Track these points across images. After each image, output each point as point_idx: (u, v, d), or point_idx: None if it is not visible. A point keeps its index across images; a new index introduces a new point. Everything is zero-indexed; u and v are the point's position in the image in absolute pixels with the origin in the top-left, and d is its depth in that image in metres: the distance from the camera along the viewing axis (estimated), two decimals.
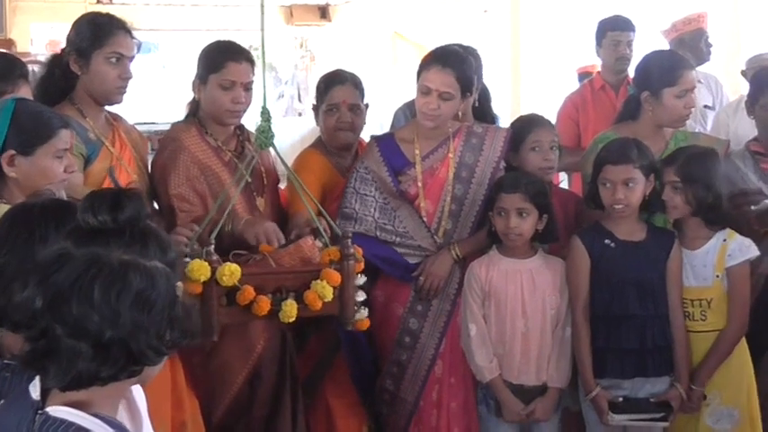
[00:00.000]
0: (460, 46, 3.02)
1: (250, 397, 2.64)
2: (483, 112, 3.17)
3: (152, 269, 1.18)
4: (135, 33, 2.55)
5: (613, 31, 3.95)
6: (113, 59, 2.46)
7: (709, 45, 4.19)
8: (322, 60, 7.43)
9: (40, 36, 6.16)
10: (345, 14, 7.66)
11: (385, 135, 2.95)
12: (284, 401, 2.67)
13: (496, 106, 3.47)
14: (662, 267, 2.63)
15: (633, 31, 3.96)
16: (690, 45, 4.11)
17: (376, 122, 4.88)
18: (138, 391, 1.36)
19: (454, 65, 2.70)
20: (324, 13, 7.51)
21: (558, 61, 5.98)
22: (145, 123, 7.08)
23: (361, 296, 2.37)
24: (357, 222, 2.74)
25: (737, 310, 2.63)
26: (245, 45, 2.81)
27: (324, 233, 2.44)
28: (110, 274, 1.15)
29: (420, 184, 2.79)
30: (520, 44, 7.06)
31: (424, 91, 2.70)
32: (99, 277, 1.15)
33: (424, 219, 2.77)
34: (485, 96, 3.22)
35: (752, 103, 3.06)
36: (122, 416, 1.31)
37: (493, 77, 6.67)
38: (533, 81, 6.85)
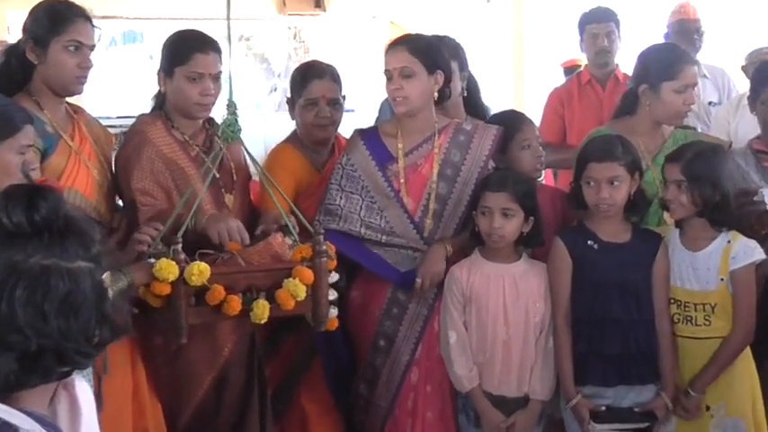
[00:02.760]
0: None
1: (216, 402, 2.65)
2: (473, 104, 3.20)
3: (75, 271, 1.18)
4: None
5: (590, 24, 3.97)
6: (72, 48, 2.46)
7: (693, 35, 4.15)
8: (316, 51, 7.42)
9: (17, 24, 6.16)
10: (340, 4, 7.65)
11: (369, 129, 2.97)
12: (252, 407, 2.68)
13: (498, 99, 3.47)
14: (647, 270, 2.64)
15: (612, 21, 3.96)
16: (672, 37, 4.11)
17: (372, 116, 4.89)
18: (82, 388, 1.38)
19: (406, 42, 2.77)
20: (318, 2, 7.50)
21: (562, 53, 5.98)
22: (130, 117, 7.06)
23: (332, 294, 2.39)
24: (342, 219, 2.75)
25: (742, 316, 2.59)
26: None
27: (293, 230, 2.45)
28: (31, 283, 1.15)
29: (402, 180, 2.80)
30: (523, 35, 7.05)
31: (387, 77, 2.75)
32: (19, 287, 1.15)
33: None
34: (473, 87, 3.24)
35: (753, 99, 3.07)
36: (62, 412, 1.33)
37: (495, 70, 6.71)
38: (537, 74, 6.84)
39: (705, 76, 4.05)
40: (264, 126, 6.81)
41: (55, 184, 2.12)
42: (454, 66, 3.09)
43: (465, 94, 3.15)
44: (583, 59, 4.28)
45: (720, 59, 4.51)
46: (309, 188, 2.91)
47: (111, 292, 1.87)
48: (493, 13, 7.35)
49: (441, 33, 3.26)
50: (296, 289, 2.28)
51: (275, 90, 7.68)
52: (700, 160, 2.58)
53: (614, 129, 2.91)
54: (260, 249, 2.38)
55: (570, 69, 6.24)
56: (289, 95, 3.10)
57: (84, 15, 2.49)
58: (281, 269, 2.32)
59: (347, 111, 3.12)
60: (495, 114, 3.17)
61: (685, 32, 4.13)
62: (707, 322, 2.62)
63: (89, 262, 1.22)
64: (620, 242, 2.67)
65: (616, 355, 2.61)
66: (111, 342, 1.26)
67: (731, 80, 4.23)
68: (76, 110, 2.64)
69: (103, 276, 1.26)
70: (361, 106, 6.52)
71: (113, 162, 2.67)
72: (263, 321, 2.29)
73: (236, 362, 2.65)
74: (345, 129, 3.08)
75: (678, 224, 2.70)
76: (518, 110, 3.35)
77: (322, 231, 2.38)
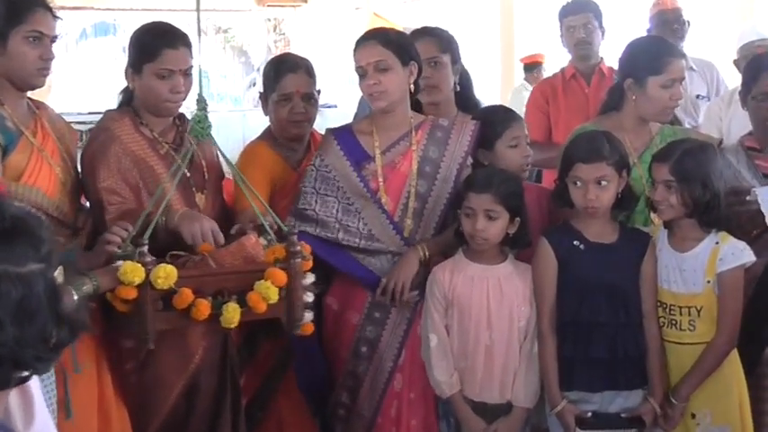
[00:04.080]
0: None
1: (187, 411, 2.64)
2: (465, 99, 3.20)
3: (27, 275, 1.18)
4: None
5: (567, 16, 3.99)
6: (32, 39, 2.44)
7: (674, 25, 4.16)
8: (297, 44, 7.44)
9: None
10: None
11: (342, 127, 2.95)
12: (224, 415, 2.68)
13: (487, 93, 3.47)
14: (635, 271, 2.64)
15: (590, 12, 3.96)
16: (654, 31, 4.13)
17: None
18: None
19: (376, 36, 2.80)
20: None
21: (552, 46, 6.00)
22: (101, 113, 6.99)
23: (308, 297, 2.38)
24: (318, 225, 2.74)
25: (726, 321, 2.59)
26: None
27: (269, 230, 2.44)
28: None
29: (381, 179, 2.80)
30: (512, 28, 7.08)
31: (360, 74, 2.76)
32: None
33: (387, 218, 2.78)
34: (466, 81, 3.24)
35: (745, 93, 3.07)
36: (14, 403, 1.33)
37: (482, 63, 6.72)
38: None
39: (692, 68, 4.06)
40: (243, 122, 6.79)
41: (0, 186, 2.11)
42: (446, 58, 3.10)
43: (458, 89, 3.16)
44: (546, 56, 4.29)
45: (722, 53, 4.53)
46: (285, 187, 2.91)
47: (75, 296, 1.87)
48: (480, 4, 7.37)
49: (430, 25, 3.28)
50: (267, 291, 2.25)
51: (254, 85, 7.68)
52: (688, 159, 2.57)
53: (600, 125, 2.91)
54: (232, 250, 2.36)
55: (530, 66, 6.26)
56: (262, 90, 3.10)
57: (44, 5, 2.47)
58: (253, 271, 2.29)
59: (330, 106, 3.13)
60: (482, 109, 3.16)
61: (665, 23, 4.14)
62: (691, 327, 2.62)
63: (40, 263, 1.21)
64: (607, 242, 2.66)
65: (603, 360, 2.61)
66: (70, 342, 1.26)
67: (719, 73, 4.24)
68: (39, 105, 2.61)
69: (56, 273, 1.25)
70: (343, 101, 6.52)
71: (79, 160, 2.66)
72: (233, 326, 2.26)
73: (207, 368, 2.64)
74: (329, 125, 3.07)
75: (666, 224, 2.70)
76: (506, 105, 3.35)
77: (296, 231, 2.36)
